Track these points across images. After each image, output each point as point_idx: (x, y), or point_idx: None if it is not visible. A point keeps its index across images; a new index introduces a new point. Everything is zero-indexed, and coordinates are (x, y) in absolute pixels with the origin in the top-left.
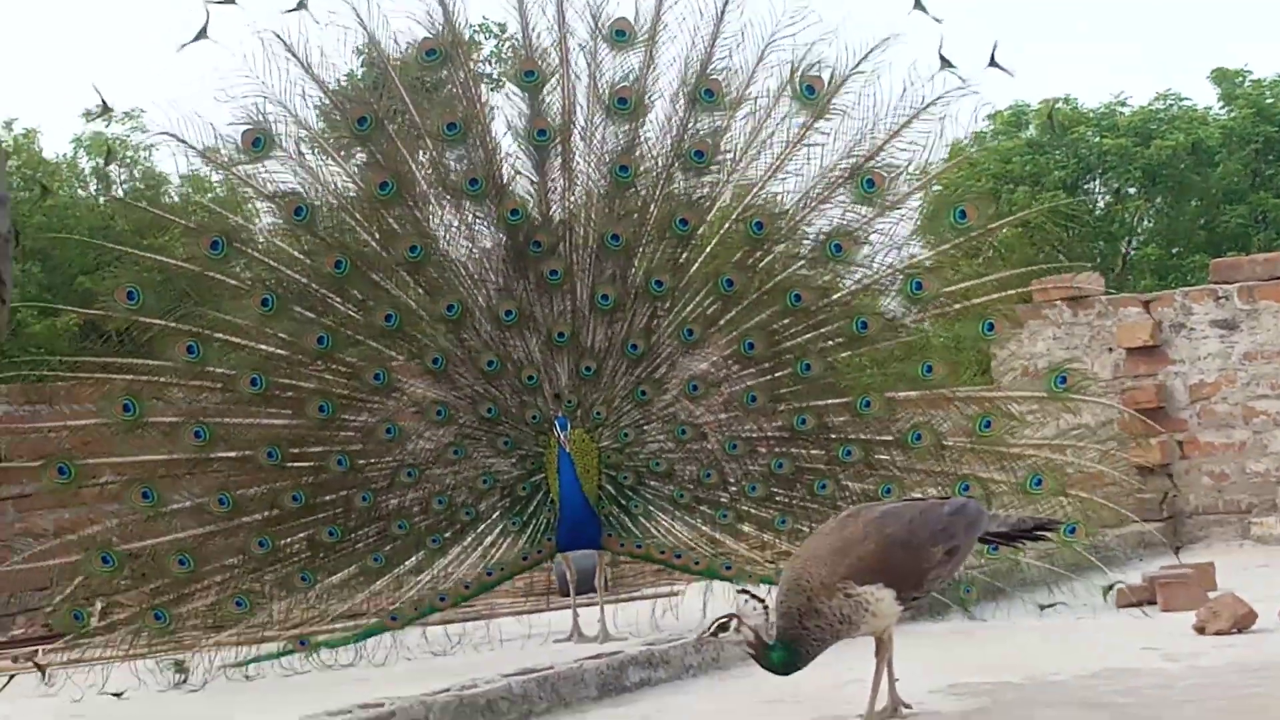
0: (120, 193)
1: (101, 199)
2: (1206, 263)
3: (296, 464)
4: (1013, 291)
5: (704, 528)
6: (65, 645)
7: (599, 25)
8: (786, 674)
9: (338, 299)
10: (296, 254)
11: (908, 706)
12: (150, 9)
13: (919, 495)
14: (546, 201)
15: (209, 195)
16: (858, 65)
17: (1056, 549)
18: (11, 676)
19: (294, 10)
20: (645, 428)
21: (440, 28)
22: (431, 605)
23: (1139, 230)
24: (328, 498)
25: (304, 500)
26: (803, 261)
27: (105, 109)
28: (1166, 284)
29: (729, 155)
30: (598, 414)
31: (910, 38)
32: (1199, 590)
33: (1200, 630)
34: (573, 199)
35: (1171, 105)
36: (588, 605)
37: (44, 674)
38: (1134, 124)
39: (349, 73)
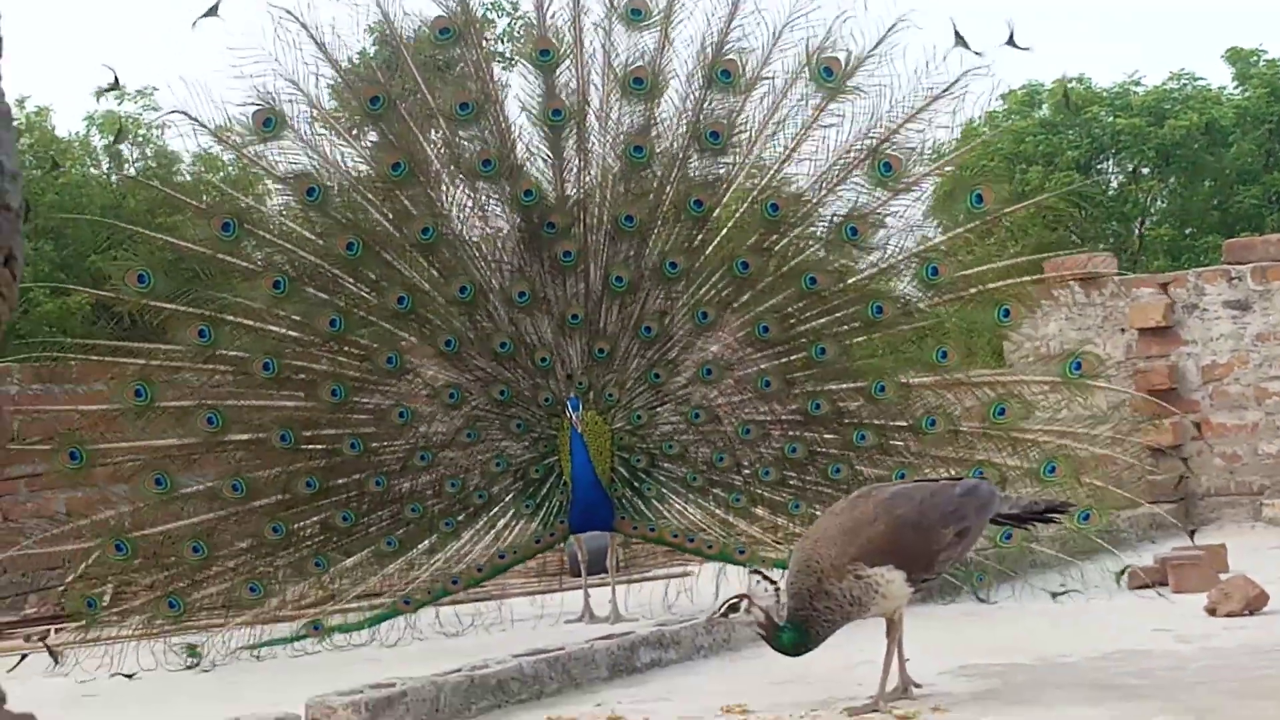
0: (132, 171)
1: (114, 177)
2: (1220, 243)
3: (309, 447)
4: (1028, 278)
5: (717, 511)
6: (78, 629)
7: (615, 3)
8: (797, 655)
9: (350, 281)
10: (309, 235)
11: (918, 686)
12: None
13: (931, 476)
14: (561, 182)
15: (220, 175)
16: (875, 46)
17: (1069, 534)
18: (24, 656)
19: None
20: (658, 410)
21: (454, 6)
22: (444, 589)
23: (1152, 210)
24: (341, 481)
25: (317, 485)
26: (818, 245)
27: (115, 85)
28: (1180, 265)
29: (745, 137)
30: (611, 396)
31: (925, 17)
32: (1211, 572)
33: (1212, 612)
34: (587, 180)
35: (1185, 85)
36: (599, 586)
37: (56, 659)
38: (1148, 104)
39: (361, 50)
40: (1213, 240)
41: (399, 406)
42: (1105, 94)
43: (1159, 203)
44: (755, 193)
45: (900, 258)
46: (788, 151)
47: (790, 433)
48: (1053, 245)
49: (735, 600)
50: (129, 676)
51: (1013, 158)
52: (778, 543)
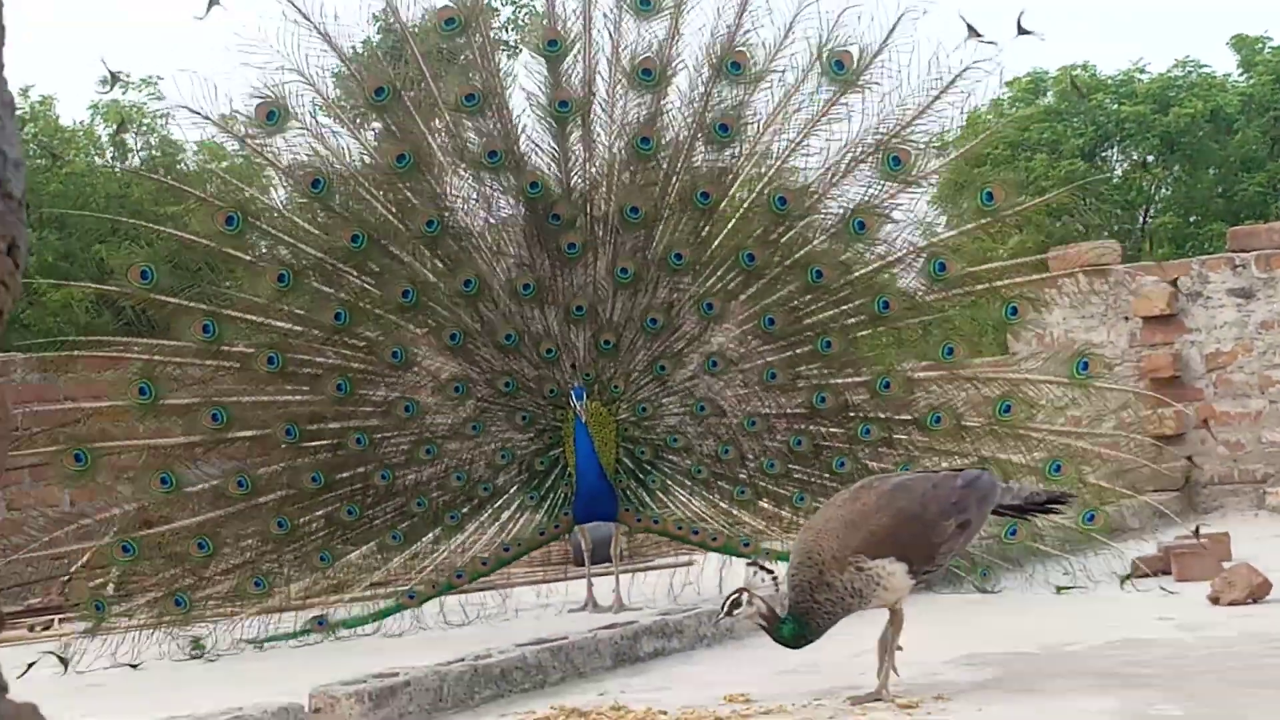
0: (137, 160)
1: (118, 167)
2: (1224, 231)
3: (314, 442)
4: (1035, 276)
5: (721, 503)
6: (85, 630)
7: None
8: (798, 647)
9: (354, 274)
10: (313, 228)
11: (895, 673)
12: None
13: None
14: (566, 173)
15: (224, 164)
16: (886, 38)
17: (1072, 532)
18: (30, 665)
19: None
20: (663, 402)
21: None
22: (449, 582)
23: (1157, 198)
24: (346, 475)
25: (322, 479)
26: (825, 237)
27: (114, 80)
28: (1184, 252)
29: (753, 129)
30: (616, 387)
31: (933, 8)
32: (1214, 560)
33: (1215, 600)
34: (593, 171)
35: (1190, 72)
36: (603, 575)
37: (66, 666)
38: (1152, 91)
39: (365, 39)
40: (1217, 228)
41: (404, 399)
42: (1110, 81)
43: (1163, 190)
44: (762, 185)
45: (907, 252)
46: (796, 144)
47: (795, 425)
48: (1056, 232)
49: (736, 594)
50: (134, 667)
51: (1017, 145)
52: (783, 534)
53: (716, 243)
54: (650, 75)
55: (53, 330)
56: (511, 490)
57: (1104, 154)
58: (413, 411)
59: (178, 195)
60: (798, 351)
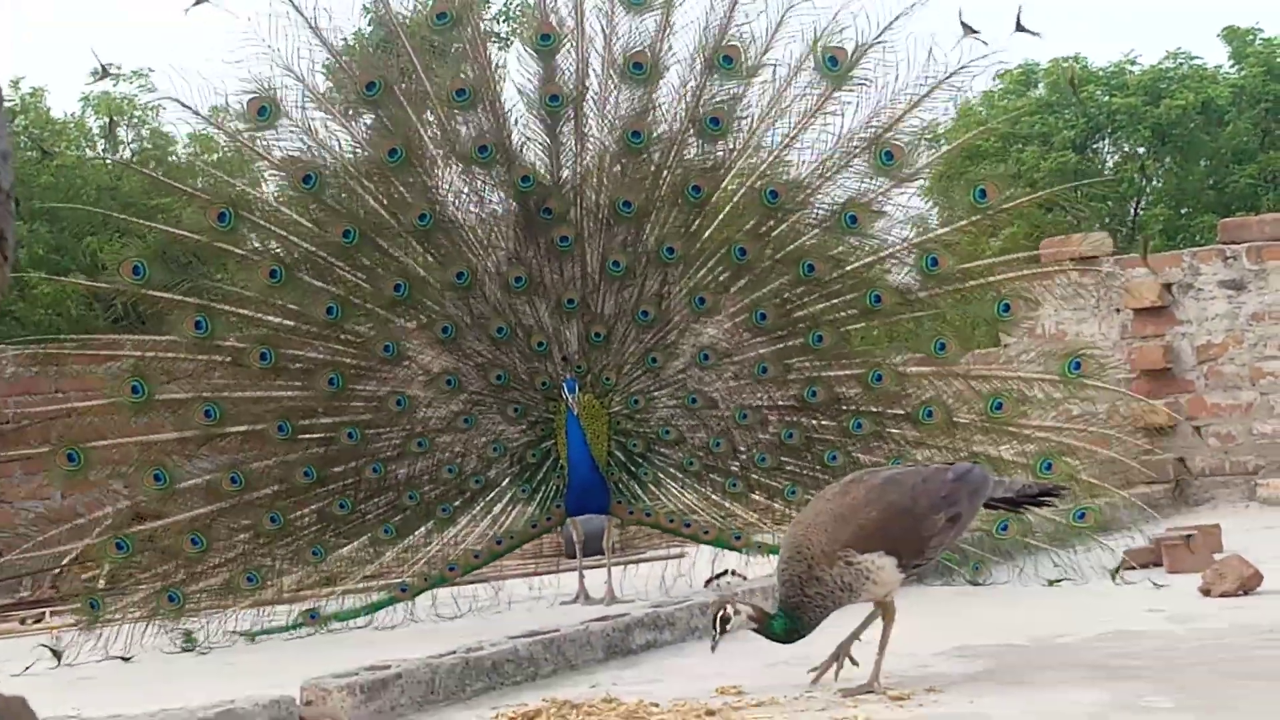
0: (128, 153)
1: (109, 160)
2: (1215, 223)
3: (307, 437)
4: (1027, 271)
5: (713, 495)
6: (79, 626)
7: None
8: (790, 641)
9: (346, 268)
10: (305, 223)
11: (855, 664)
12: None
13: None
14: (558, 167)
15: (215, 157)
16: (880, 34)
17: (1063, 528)
18: (27, 667)
19: None
20: (655, 395)
21: None
22: (441, 575)
23: (1148, 190)
24: (338, 470)
25: (315, 474)
26: (817, 231)
27: (104, 73)
28: (1175, 244)
29: (745, 123)
30: (608, 380)
31: (929, 2)
32: (1205, 552)
33: (1206, 592)
34: (584, 165)
35: (1181, 64)
36: (595, 568)
37: (58, 659)
38: (1144, 83)
39: (356, 31)
40: (1208, 220)
41: (396, 393)
42: (1101, 73)
43: (1155, 182)
44: (754, 179)
45: (900, 247)
46: (789, 138)
47: (787, 418)
48: (1047, 225)
49: (721, 613)
50: (125, 660)
51: (1009, 138)
52: (774, 527)
53: (708, 236)
54: (642, 69)
55: (43, 323)
56: (504, 483)
57: (1095, 146)
58: (405, 405)
59: (168, 188)
60: (789, 345)
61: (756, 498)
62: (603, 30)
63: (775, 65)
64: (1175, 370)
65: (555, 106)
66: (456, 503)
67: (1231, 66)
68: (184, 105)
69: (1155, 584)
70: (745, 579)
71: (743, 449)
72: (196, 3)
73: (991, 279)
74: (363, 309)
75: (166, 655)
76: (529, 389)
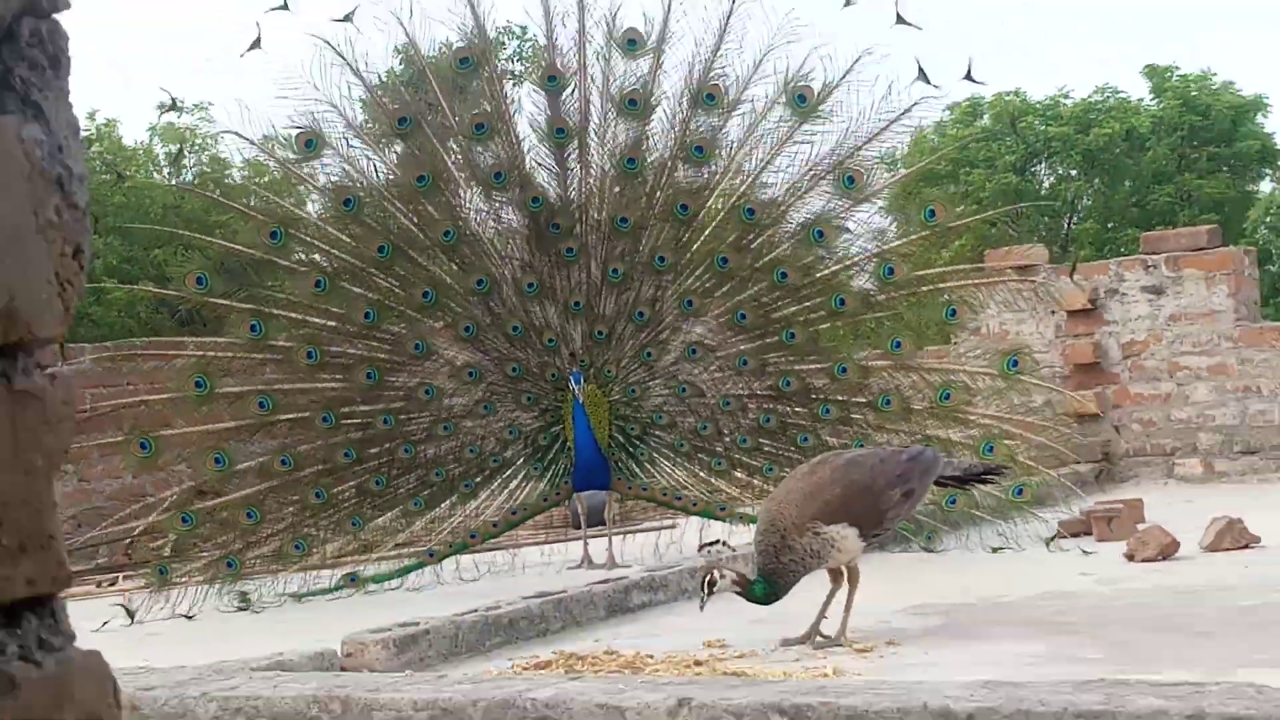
0: (190, 176)
1: (173, 182)
2: (1138, 236)
3: (347, 423)
4: (971, 282)
5: (701, 473)
6: (149, 589)
7: (613, 34)
8: (768, 603)
9: (382, 277)
10: (345, 238)
11: (824, 636)
12: (220, 9)
13: (883, 442)
14: (565, 189)
15: (266, 179)
16: (842, 77)
17: (1006, 499)
18: (104, 623)
19: (342, 20)
20: (650, 385)
21: (472, 36)
22: (464, 542)
23: (1079, 208)
24: (374, 451)
25: (354, 454)
26: (789, 244)
27: (173, 106)
28: (1103, 255)
29: (726, 150)
30: (608, 372)
31: (888, 47)
32: (1129, 523)
33: (1130, 558)
34: (587, 186)
35: (1108, 97)
36: (598, 537)
37: (131, 618)
38: (1075, 114)
39: (389, 69)
40: (1132, 233)
41: (425, 384)
42: (1038, 105)
43: (1085, 201)
44: (734, 198)
45: (861, 257)
46: (763, 164)
47: (764, 406)
48: (992, 238)
49: (709, 576)
50: (189, 618)
51: (958, 162)
52: (754, 501)
53: (695, 248)
54: (636, 105)
55: (116, 325)
56: (518, 462)
57: (1033, 169)
58: (432, 395)
59: (226, 208)
60: (766, 342)
61: (738, 475)
62: (602, 72)
63: (752, 101)
64: (1103, 364)
65: (561, 137)
66: (477, 479)
67: (1152, 99)
68: (241, 136)
69: (1084, 551)
70: (733, 549)
71: (726, 432)
72: (251, 48)
73: (941, 285)
74: (396, 312)
75: (224, 614)
76: (540, 380)
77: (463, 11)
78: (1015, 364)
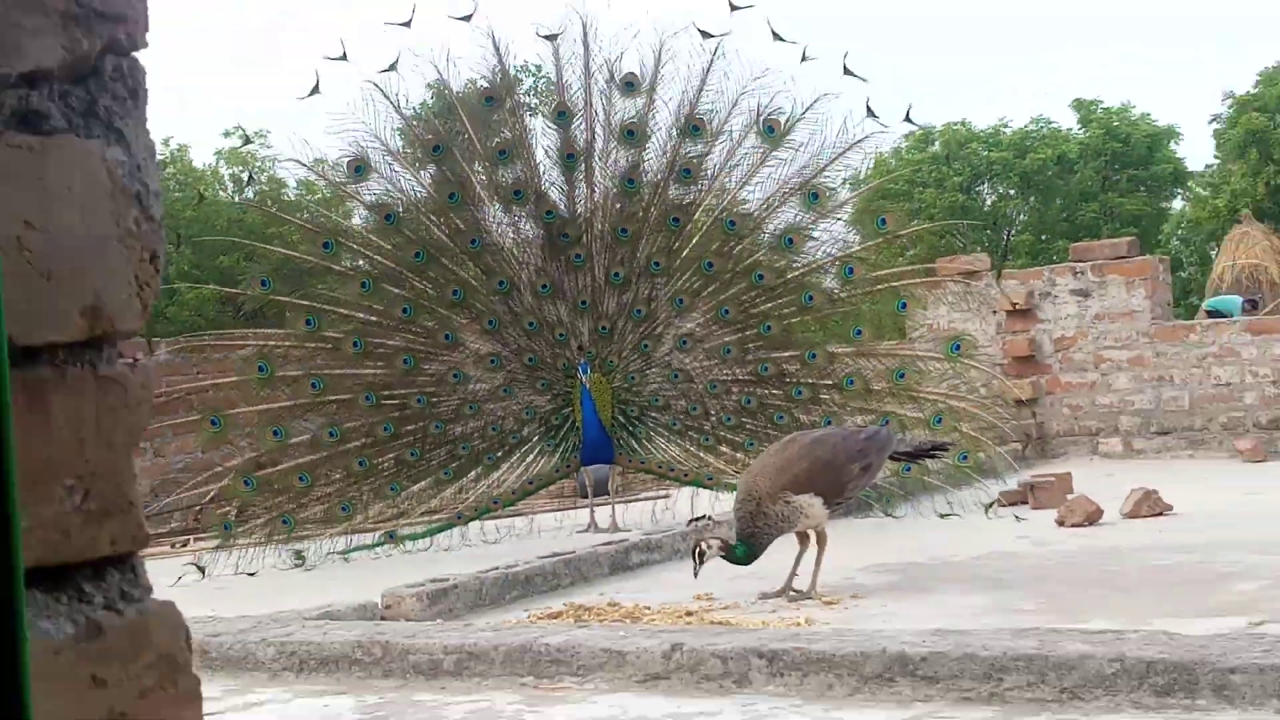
0: (250, 194)
1: (237, 198)
2: (1067, 246)
3: (386, 403)
4: (920, 280)
5: (691, 448)
6: (216, 547)
7: (614, 76)
8: (747, 564)
9: (417, 279)
10: (387, 247)
11: (797, 590)
12: (280, 47)
13: (850, 423)
14: (573, 205)
15: (318, 196)
16: (804, 112)
17: (952, 468)
18: (180, 576)
19: (387, 70)
20: (647, 372)
21: (495, 75)
22: (487, 507)
23: (1016, 222)
24: (409, 427)
25: (392, 430)
26: (764, 250)
27: (248, 140)
28: (1037, 262)
29: (709, 172)
30: (611, 362)
31: (843, 87)
32: (1060, 493)
33: (1060, 523)
34: (593, 202)
35: (1042, 127)
36: (602, 505)
37: (203, 573)
38: (1014, 141)
39: (423, 102)
40: (1062, 244)
41: (453, 370)
42: (981, 133)
43: (1022, 216)
44: (717, 212)
45: (826, 261)
46: (741, 183)
47: (746, 389)
48: (942, 250)
49: (699, 549)
50: (251, 575)
51: (911, 182)
52: (736, 472)
53: (684, 254)
54: (633, 135)
55: (187, 322)
56: (533, 439)
57: (977, 189)
58: (460, 380)
59: (282, 221)
60: (746, 334)
61: (724, 449)
62: (604, 107)
63: (730, 132)
64: (1037, 357)
65: (571, 161)
66: (498, 453)
67: (1080, 129)
68: (300, 163)
69: (1018, 518)
70: (716, 520)
71: (713, 412)
72: (310, 94)
73: (894, 284)
74: (429, 309)
75: (281, 572)
76: (553, 369)
77: (489, 54)
78: (958, 347)
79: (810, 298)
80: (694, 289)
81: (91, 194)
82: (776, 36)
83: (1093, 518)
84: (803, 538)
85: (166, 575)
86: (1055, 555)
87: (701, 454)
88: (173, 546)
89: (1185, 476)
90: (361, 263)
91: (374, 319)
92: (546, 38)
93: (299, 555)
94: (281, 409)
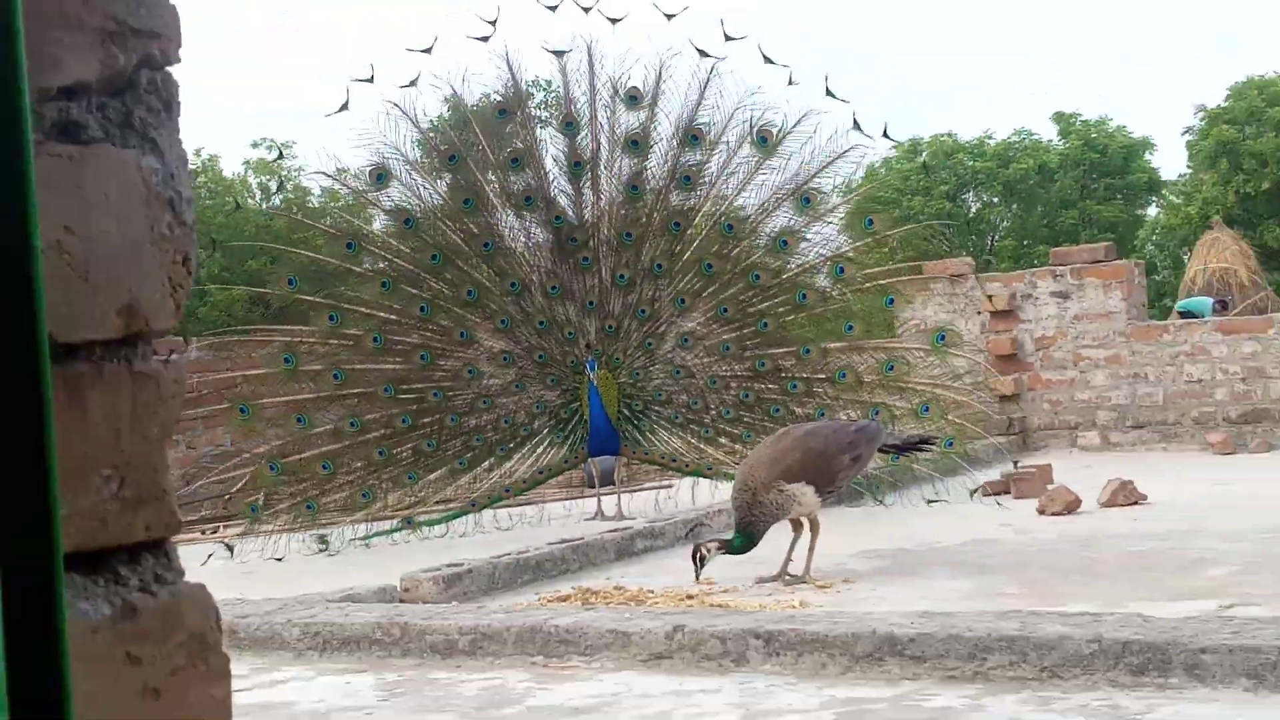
0: (277, 201)
1: (264, 206)
2: (1048, 251)
3: (404, 396)
4: (905, 278)
5: (693, 440)
6: (242, 529)
7: (618, 90)
8: (745, 552)
9: (434, 280)
10: (405, 249)
11: (792, 576)
12: (280, 47)
13: (842, 416)
14: (581, 210)
15: (341, 203)
16: (795, 125)
17: (939, 456)
18: (210, 555)
19: (407, 87)
20: (651, 369)
21: (508, 90)
22: (500, 495)
23: (999, 228)
24: (426, 419)
25: (410, 421)
26: (760, 252)
27: (280, 155)
28: (1019, 266)
29: (708, 179)
30: (617, 359)
31: (837, 102)
32: (1040, 483)
33: (1041, 512)
34: (599, 208)
35: (1024, 138)
36: (609, 494)
37: (231, 551)
38: (997, 151)
39: (439, 115)
40: (1043, 249)
41: (468, 366)
42: (967, 144)
43: (1005, 223)
44: (716, 216)
45: (818, 261)
46: (738, 190)
47: (744, 384)
48: (929, 253)
49: (700, 554)
50: (278, 560)
51: (900, 190)
52: (735, 463)
53: (685, 257)
54: (637, 144)
55: (218, 321)
56: (544, 432)
57: (963, 197)
58: (474, 375)
59: (307, 226)
60: (744, 331)
61: (723, 441)
62: (608, 119)
63: (727, 142)
64: (1020, 355)
65: (578, 170)
66: (510, 445)
67: (1059, 140)
68: (326, 175)
69: (999, 504)
70: (700, 524)
71: (713, 406)
72: (340, 110)
73: (881, 282)
74: (445, 308)
75: (306, 557)
76: (562, 365)
77: (503, 71)
78: (943, 338)
79: (804, 296)
80: (695, 289)
81: (127, 200)
82: (767, 60)
83: (1072, 507)
84: (797, 525)
85: (196, 559)
86: (1036, 542)
87: (702, 445)
88: (202, 533)
89: (1159, 468)
90: (382, 264)
91: (393, 317)
92: (555, 53)
93: (323, 540)
94: (305, 400)
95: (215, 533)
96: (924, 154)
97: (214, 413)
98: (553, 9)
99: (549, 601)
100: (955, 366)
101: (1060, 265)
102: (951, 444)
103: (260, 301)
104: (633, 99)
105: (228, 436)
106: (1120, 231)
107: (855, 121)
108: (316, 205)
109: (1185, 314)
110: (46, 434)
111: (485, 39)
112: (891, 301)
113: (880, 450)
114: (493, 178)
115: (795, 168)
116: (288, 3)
